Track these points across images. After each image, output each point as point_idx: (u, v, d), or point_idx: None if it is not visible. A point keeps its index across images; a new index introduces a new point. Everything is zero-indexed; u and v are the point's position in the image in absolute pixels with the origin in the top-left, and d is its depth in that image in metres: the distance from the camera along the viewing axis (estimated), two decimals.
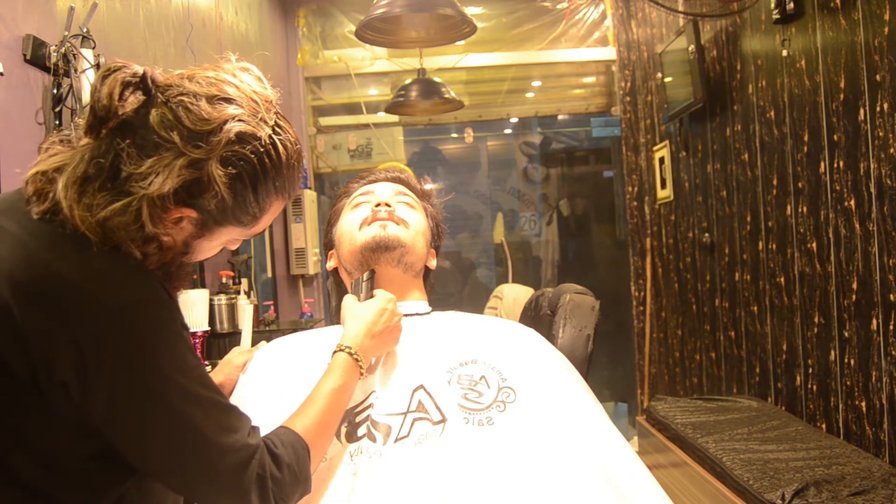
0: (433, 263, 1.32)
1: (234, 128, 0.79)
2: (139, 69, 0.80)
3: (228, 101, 0.81)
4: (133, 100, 0.80)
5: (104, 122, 0.78)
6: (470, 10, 3.62)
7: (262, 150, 0.81)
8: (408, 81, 3.31)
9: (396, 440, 0.97)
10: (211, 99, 0.80)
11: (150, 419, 0.76)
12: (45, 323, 0.73)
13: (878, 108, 1.73)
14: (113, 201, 0.77)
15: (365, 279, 1.16)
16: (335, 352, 1.00)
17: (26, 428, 0.76)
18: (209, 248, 0.89)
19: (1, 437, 0.75)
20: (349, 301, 1.11)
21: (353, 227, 1.22)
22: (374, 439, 0.97)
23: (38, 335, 0.73)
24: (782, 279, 2.29)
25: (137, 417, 0.76)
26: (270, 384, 1.08)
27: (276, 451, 0.83)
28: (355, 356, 0.99)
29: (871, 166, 1.77)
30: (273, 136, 0.83)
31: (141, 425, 0.76)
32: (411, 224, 1.23)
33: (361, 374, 1.00)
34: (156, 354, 0.76)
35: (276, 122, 0.84)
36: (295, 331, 1.33)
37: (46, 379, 0.73)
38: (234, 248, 0.95)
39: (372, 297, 1.13)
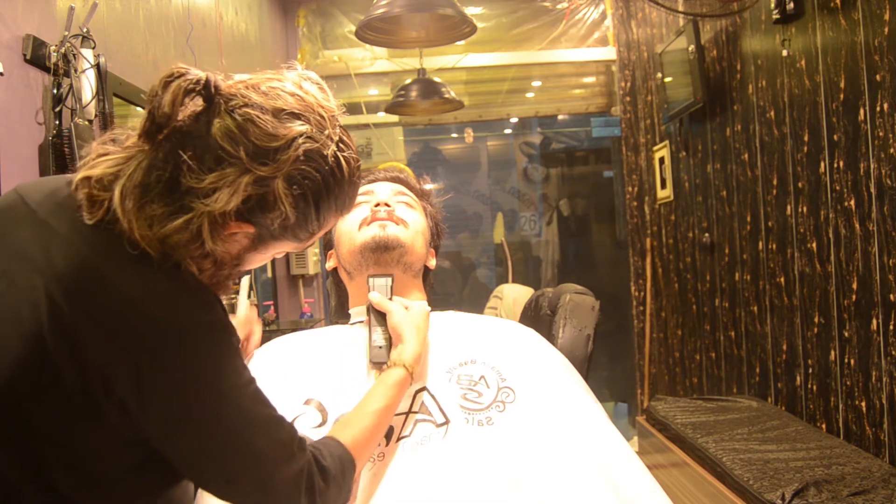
0: (433, 263, 1.32)
1: (302, 145, 0.76)
2: (201, 75, 0.76)
3: (296, 115, 0.78)
4: (191, 106, 0.77)
5: (161, 128, 0.75)
6: (470, 10, 3.62)
7: (327, 168, 0.79)
8: (408, 81, 3.31)
9: (398, 439, 0.97)
10: (277, 113, 0.77)
11: (208, 438, 0.75)
12: (103, 339, 0.72)
13: (878, 108, 1.73)
14: (173, 216, 0.74)
15: (389, 284, 1.14)
16: (394, 366, 0.99)
17: (68, 437, 0.74)
18: (260, 259, 0.87)
19: (43, 446, 0.74)
20: (402, 311, 1.08)
21: (353, 227, 1.22)
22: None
23: (95, 350, 0.71)
24: (782, 279, 2.29)
25: (195, 436, 0.75)
26: (271, 386, 1.08)
27: (324, 462, 0.83)
28: (413, 376, 0.99)
29: (871, 166, 1.77)
30: (338, 152, 0.80)
31: (198, 443, 0.75)
32: (410, 224, 1.23)
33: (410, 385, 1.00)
34: (214, 375, 0.75)
35: (340, 137, 0.82)
36: (294, 331, 1.33)
37: (103, 394, 0.72)
38: (279, 256, 0.93)
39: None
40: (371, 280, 1.15)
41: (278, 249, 0.86)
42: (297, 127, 0.77)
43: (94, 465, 0.76)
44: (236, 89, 0.78)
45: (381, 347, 1.07)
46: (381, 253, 1.18)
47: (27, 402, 0.73)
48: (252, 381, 0.80)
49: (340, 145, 0.81)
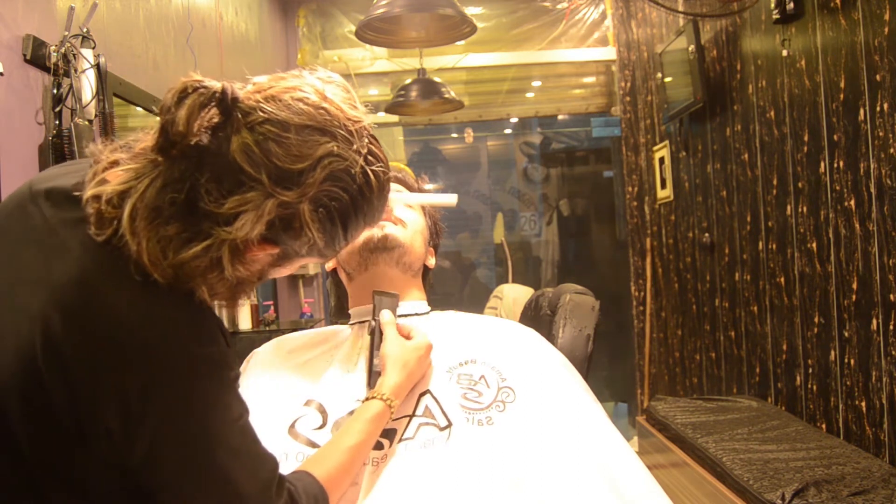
0: (432, 262, 1.31)
1: (329, 165, 0.71)
2: (217, 86, 0.70)
3: (321, 131, 0.72)
4: (207, 117, 0.71)
5: (176, 145, 0.70)
6: (470, 10, 3.62)
7: (355, 187, 0.74)
8: (408, 81, 3.31)
9: (400, 440, 0.97)
10: (301, 130, 0.71)
11: (192, 474, 0.72)
12: (94, 364, 0.69)
13: (878, 108, 1.73)
14: (190, 242, 0.69)
15: (395, 305, 1.11)
16: (372, 398, 0.96)
17: (62, 459, 0.72)
18: (284, 272, 0.82)
19: (40, 466, 0.72)
20: (397, 343, 1.04)
21: None
22: (378, 446, 0.97)
23: (85, 374, 0.69)
24: (782, 279, 2.29)
25: (178, 471, 0.72)
26: (271, 386, 1.08)
27: (300, 502, 0.80)
28: (392, 409, 0.96)
29: (871, 166, 1.77)
30: (366, 166, 0.75)
31: (180, 475, 0.72)
32: (409, 224, 1.22)
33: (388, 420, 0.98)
34: (204, 412, 0.72)
35: (369, 149, 0.76)
36: (294, 331, 1.33)
37: (91, 420, 0.69)
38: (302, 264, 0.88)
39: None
40: (377, 298, 1.10)
41: (302, 263, 0.82)
42: (324, 145, 0.71)
43: (90, 488, 0.73)
44: (255, 102, 0.71)
45: (380, 374, 1.02)
46: (380, 253, 1.17)
47: (22, 420, 0.71)
48: (242, 415, 0.77)
49: (369, 158, 0.76)
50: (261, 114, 0.71)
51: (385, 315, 1.08)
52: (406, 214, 1.24)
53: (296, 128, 0.71)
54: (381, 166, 0.77)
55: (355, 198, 0.75)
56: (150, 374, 0.69)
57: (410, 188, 1.33)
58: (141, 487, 0.73)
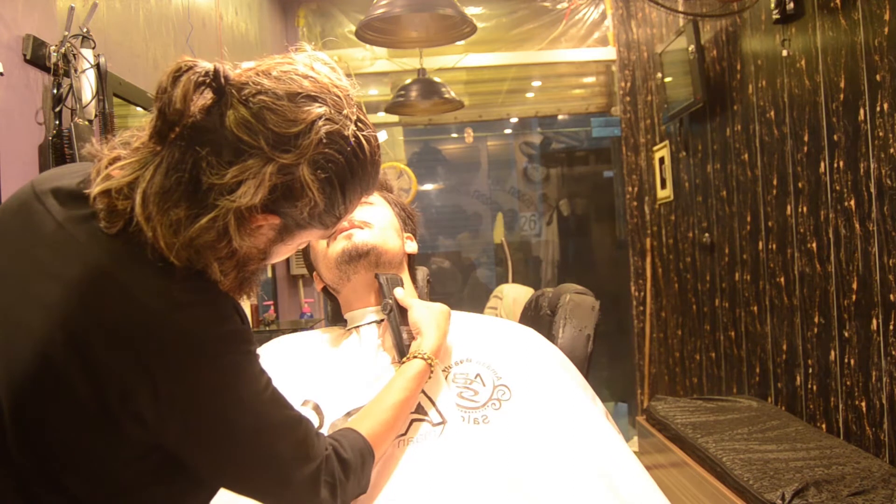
0: (412, 248, 1.30)
1: (323, 127, 0.74)
2: (210, 66, 0.73)
3: (312, 98, 0.75)
4: (201, 100, 0.74)
5: (173, 126, 0.72)
6: (470, 10, 3.62)
7: (349, 149, 0.77)
8: (408, 81, 3.31)
9: (395, 437, 0.97)
10: (293, 97, 0.74)
11: (228, 446, 0.75)
12: (117, 350, 0.70)
13: (878, 108, 1.73)
14: (198, 217, 0.71)
15: (399, 281, 1.16)
16: (414, 357, 1.00)
17: (84, 446, 0.73)
18: (286, 251, 0.85)
19: (58, 455, 0.73)
20: (425, 308, 1.09)
21: (322, 245, 1.21)
22: None
23: (109, 361, 0.70)
24: (782, 279, 2.29)
25: (214, 445, 0.75)
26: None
27: (345, 455, 0.83)
28: (432, 368, 1.00)
29: (871, 166, 1.77)
30: (357, 132, 0.78)
31: (217, 452, 0.76)
32: (375, 223, 1.21)
33: (428, 379, 1.01)
34: (232, 386, 0.74)
35: (358, 116, 0.79)
36: (295, 331, 1.33)
37: (119, 405, 0.71)
38: (303, 247, 0.90)
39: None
40: (382, 278, 1.13)
41: (304, 239, 0.84)
42: (316, 109, 0.74)
43: (111, 474, 0.75)
44: (247, 77, 0.75)
45: (409, 346, 1.06)
46: (357, 262, 1.17)
47: (41, 410, 0.72)
48: (269, 383, 0.79)
49: (359, 124, 0.79)
50: (253, 86, 0.74)
51: (398, 291, 1.12)
52: (369, 215, 1.22)
53: (288, 95, 0.74)
54: (371, 132, 0.81)
55: (350, 160, 0.77)
56: (175, 355, 0.71)
57: (390, 190, 1.32)
58: (173, 466, 0.76)
